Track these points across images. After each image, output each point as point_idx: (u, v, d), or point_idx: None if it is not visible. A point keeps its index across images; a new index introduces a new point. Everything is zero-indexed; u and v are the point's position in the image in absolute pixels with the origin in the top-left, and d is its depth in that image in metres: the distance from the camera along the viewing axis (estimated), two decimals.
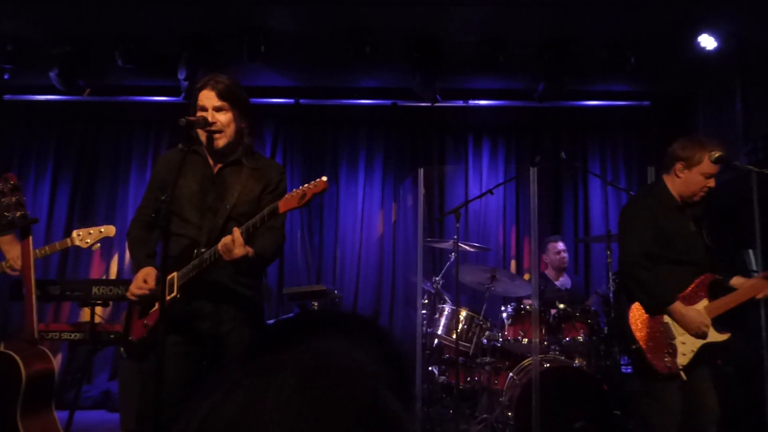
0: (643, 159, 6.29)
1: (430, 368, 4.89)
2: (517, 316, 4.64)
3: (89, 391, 5.77)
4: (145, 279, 2.39)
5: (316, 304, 4.99)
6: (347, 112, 6.57)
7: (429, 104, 6.10)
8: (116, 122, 6.55)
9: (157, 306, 2.39)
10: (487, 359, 4.61)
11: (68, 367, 5.52)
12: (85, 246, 3.30)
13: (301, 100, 6.37)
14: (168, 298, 2.30)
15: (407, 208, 6.50)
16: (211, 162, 2.56)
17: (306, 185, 2.18)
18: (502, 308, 4.84)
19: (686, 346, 3.00)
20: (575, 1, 4.79)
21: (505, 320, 4.70)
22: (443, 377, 4.81)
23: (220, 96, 2.46)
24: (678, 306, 3.00)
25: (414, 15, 5.04)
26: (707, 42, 4.97)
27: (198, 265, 2.33)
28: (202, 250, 2.35)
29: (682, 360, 2.98)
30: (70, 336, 4.28)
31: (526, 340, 4.49)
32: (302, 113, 6.51)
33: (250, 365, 0.52)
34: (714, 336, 3.01)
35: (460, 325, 4.70)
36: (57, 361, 5.71)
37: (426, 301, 5.00)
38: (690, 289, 3.06)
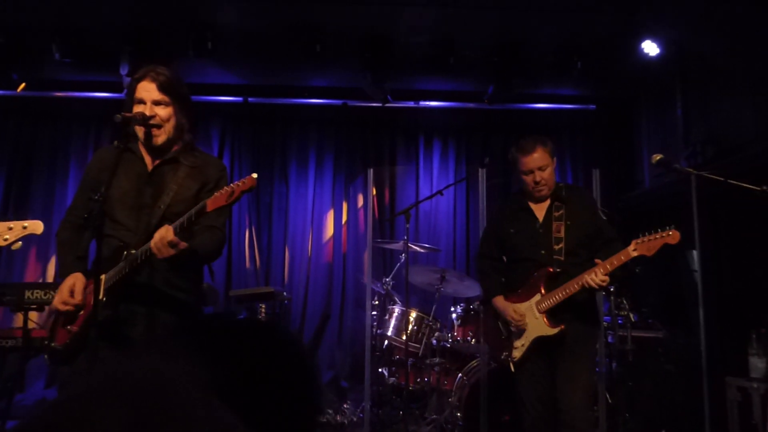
0: (589, 161, 6.44)
1: (380, 369, 4.86)
2: (467, 317, 4.66)
3: (23, 400, 5.50)
4: (71, 290, 2.25)
5: (263, 306, 4.89)
6: (297, 112, 6.48)
7: (380, 104, 6.08)
8: (54, 119, 6.27)
9: (81, 311, 2.27)
10: (437, 360, 4.60)
11: None
12: (3, 244, 2.66)
13: (250, 99, 6.25)
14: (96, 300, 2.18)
15: (357, 209, 6.46)
16: (146, 160, 2.43)
17: (235, 183, 2.12)
18: (452, 309, 4.85)
19: (519, 340, 3.12)
20: (524, 5, 4.85)
21: (455, 321, 4.71)
22: (393, 378, 4.78)
23: (161, 89, 2.34)
24: (496, 300, 3.21)
25: (365, 14, 5.01)
26: (650, 48, 5.11)
27: (126, 266, 2.22)
28: (132, 251, 2.24)
29: (516, 353, 3.11)
30: (1, 343, 4.07)
31: (475, 340, 4.51)
32: (251, 112, 6.38)
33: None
34: (543, 330, 3.04)
35: (410, 326, 4.69)
36: None
37: (376, 302, 4.96)
38: (527, 284, 3.13)
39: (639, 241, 2.88)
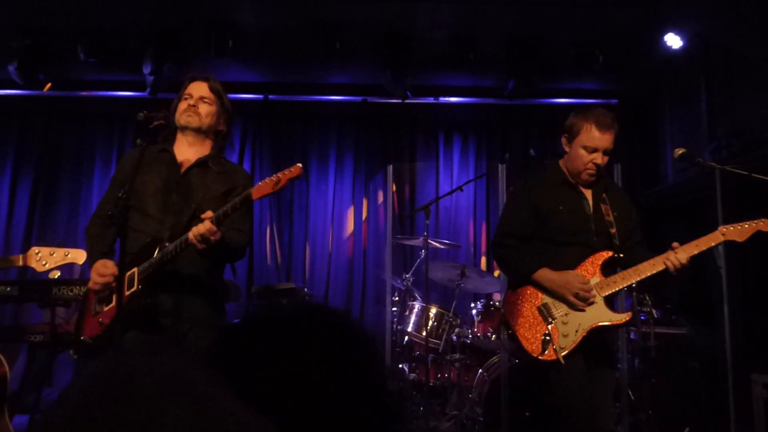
0: (611, 156, 6.35)
1: (400, 365, 4.87)
2: (487, 313, 4.66)
3: (51, 395, 5.60)
4: (104, 266, 2.31)
5: (285, 302, 4.93)
6: (317, 108, 6.51)
7: (400, 101, 6.07)
8: (79, 118, 6.38)
9: (113, 303, 2.32)
10: (457, 356, 4.61)
11: (28, 370, 5.36)
12: (40, 269, 2.65)
13: (271, 96, 6.29)
14: (128, 292, 2.24)
15: (378, 205, 6.47)
16: (179, 162, 2.52)
17: (281, 172, 2.18)
18: (472, 305, 4.85)
19: (569, 327, 2.57)
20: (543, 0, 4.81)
21: (475, 317, 4.72)
22: (413, 374, 4.80)
23: (211, 89, 2.55)
24: (544, 272, 2.65)
25: (383, 11, 5.00)
26: (673, 41, 5.03)
27: (161, 258, 2.28)
28: (166, 244, 2.29)
29: (564, 342, 2.54)
30: (30, 338, 4.16)
31: (495, 336, 4.50)
32: (271, 109, 6.42)
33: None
34: (606, 315, 2.58)
35: (430, 322, 4.70)
36: (18, 364, 5.56)
37: (396, 298, 4.98)
38: (581, 266, 2.69)
39: (728, 226, 2.61)
